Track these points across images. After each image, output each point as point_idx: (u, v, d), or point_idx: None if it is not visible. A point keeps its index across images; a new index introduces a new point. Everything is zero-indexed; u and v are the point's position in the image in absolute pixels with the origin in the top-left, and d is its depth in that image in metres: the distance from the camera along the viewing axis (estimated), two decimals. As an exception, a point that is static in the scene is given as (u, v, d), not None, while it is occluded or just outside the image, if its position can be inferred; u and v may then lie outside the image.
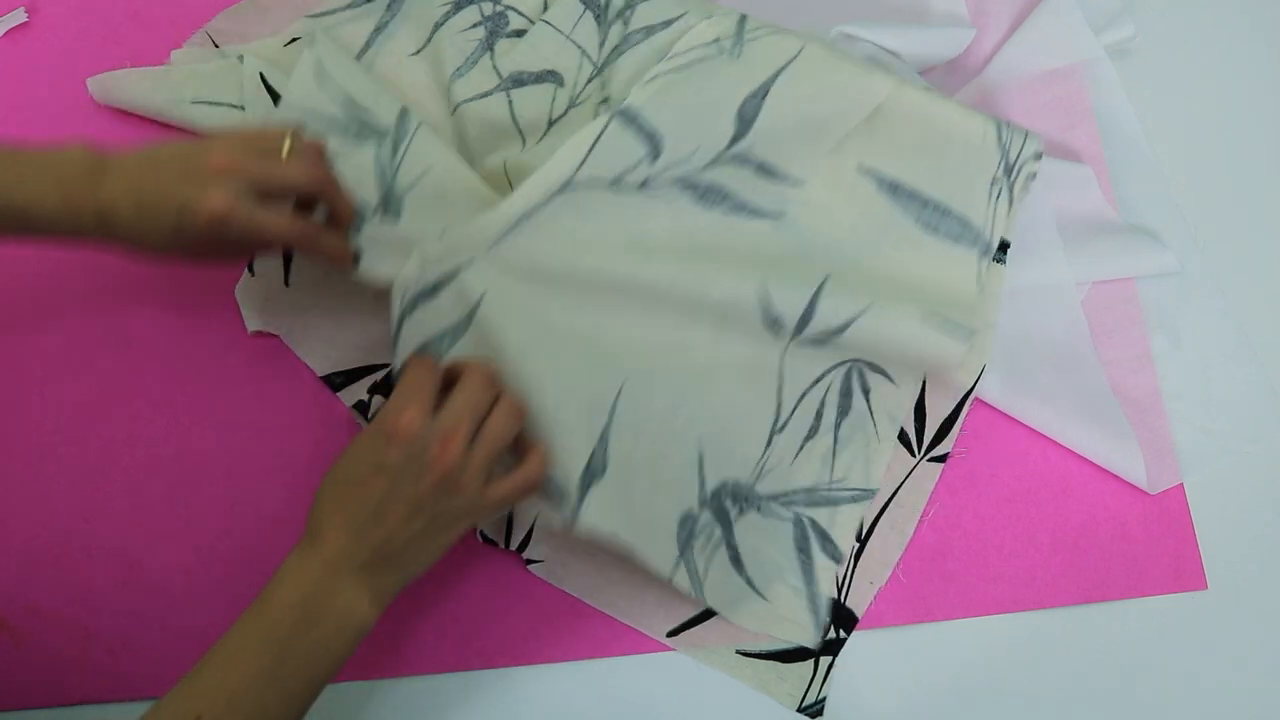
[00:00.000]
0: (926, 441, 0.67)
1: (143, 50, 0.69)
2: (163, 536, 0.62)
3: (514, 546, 0.63)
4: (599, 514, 0.59)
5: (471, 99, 0.66)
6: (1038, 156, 0.66)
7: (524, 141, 0.65)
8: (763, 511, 0.65)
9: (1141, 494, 0.69)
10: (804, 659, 0.64)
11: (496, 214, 0.60)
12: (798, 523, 0.65)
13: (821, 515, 0.66)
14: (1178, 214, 0.73)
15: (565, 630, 0.64)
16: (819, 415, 0.66)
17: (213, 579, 0.62)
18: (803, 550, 0.65)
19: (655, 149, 0.62)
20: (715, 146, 0.63)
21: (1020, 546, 0.67)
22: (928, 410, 0.68)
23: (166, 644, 0.60)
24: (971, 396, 0.67)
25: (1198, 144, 0.76)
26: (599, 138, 0.61)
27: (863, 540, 0.66)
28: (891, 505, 0.66)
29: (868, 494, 0.66)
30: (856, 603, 0.65)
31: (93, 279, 0.66)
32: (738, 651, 0.64)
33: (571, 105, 0.66)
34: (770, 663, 0.64)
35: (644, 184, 0.62)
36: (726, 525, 0.64)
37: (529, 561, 0.64)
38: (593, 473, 0.60)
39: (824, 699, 0.64)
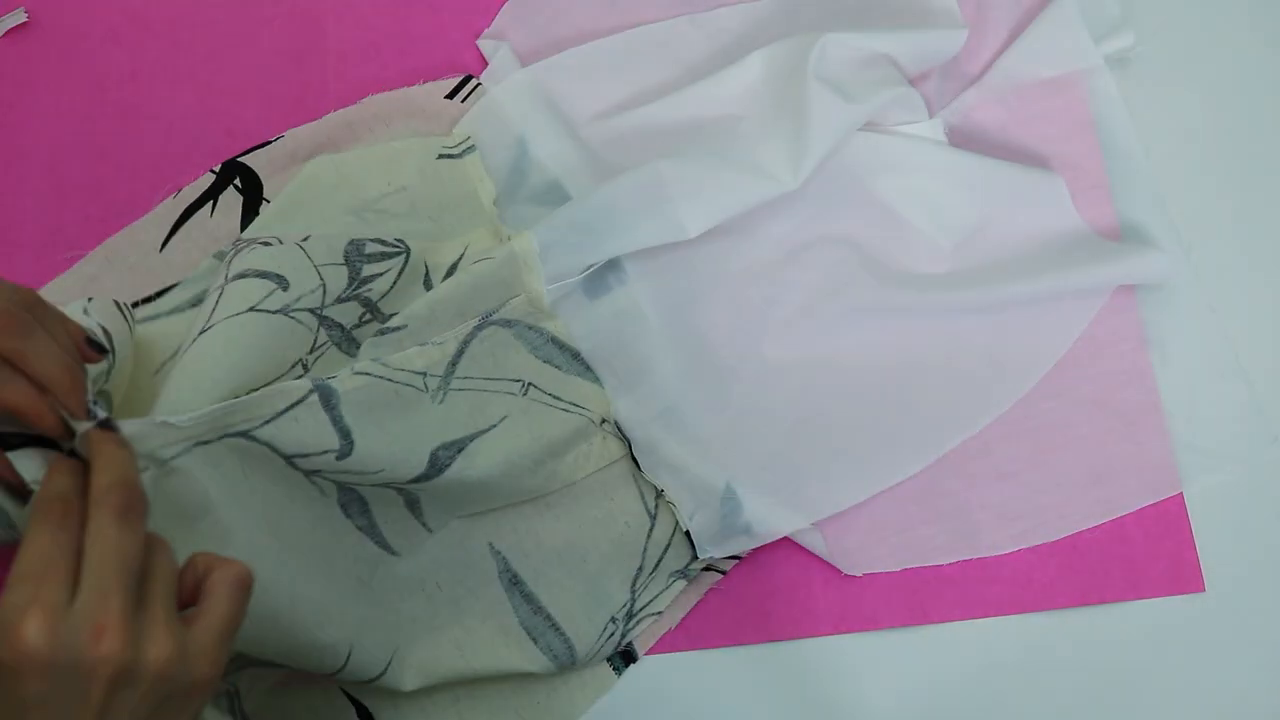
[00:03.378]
0: None
1: (142, 52, 0.69)
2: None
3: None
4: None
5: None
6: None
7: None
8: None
9: (1139, 496, 0.68)
10: None
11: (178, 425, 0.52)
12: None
13: None
14: (1170, 228, 0.72)
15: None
16: None
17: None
18: None
19: (346, 450, 0.55)
20: (401, 477, 0.58)
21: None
22: None
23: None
24: None
25: (1195, 156, 0.75)
26: (294, 406, 0.54)
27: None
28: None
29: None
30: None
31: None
32: None
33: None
34: None
35: (315, 473, 0.56)
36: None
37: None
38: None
39: None
